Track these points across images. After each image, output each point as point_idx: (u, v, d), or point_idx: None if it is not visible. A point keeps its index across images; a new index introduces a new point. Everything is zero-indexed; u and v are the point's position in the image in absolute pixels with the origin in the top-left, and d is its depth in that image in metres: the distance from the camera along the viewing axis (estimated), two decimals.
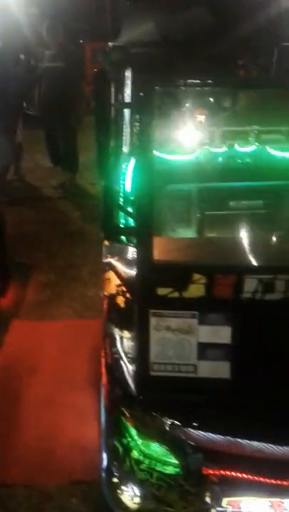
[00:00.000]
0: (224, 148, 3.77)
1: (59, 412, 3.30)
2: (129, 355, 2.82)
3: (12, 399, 3.43)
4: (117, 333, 2.98)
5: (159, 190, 3.72)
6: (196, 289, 2.49)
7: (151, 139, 2.37)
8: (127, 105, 3.21)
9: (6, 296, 4.60)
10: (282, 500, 2.53)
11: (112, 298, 3.10)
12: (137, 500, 2.53)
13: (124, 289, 2.97)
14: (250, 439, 2.52)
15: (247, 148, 3.77)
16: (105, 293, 3.22)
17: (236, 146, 3.79)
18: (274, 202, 3.75)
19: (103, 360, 3.01)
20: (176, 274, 2.50)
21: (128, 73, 3.10)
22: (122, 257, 3.05)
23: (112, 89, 3.23)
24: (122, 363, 2.84)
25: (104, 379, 2.96)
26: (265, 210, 3.72)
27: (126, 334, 2.92)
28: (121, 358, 2.86)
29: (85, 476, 2.80)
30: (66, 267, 5.18)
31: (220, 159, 3.75)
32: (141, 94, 2.24)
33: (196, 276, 2.47)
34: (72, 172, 7.36)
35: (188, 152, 3.71)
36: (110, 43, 3.10)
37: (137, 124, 2.45)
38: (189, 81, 2.39)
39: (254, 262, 2.53)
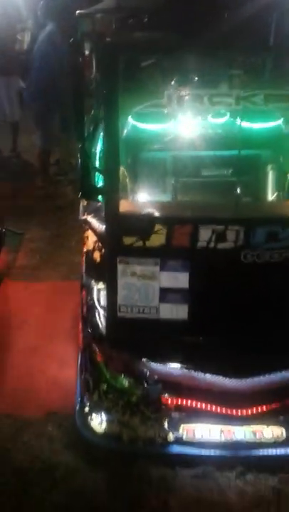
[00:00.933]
0: (198, 119, 4.03)
1: (42, 358, 3.63)
2: (101, 302, 3.14)
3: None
4: (92, 283, 3.30)
5: (135, 156, 4.03)
6: (157, 239, 2.79)
7: (115, 103, 2.65)
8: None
9: None
10: (231, 428, 2.85)
11: (88, 252, 3.42)
12: (104, 425, 2.87)
13: (98, 242, 3.27)
14: (204, 372, 2.85)
15: (219, 120, 4.03)
16: (84, 249, 3.53)
17: (209, 118, 4.05)
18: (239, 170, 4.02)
19: (80, 309, 3.33)
20: (139, 225, 2.81)
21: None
22: (97, 214, 3.34)
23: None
24: (95, 308, 3.17)
25: (80, 324, 3.29)
26: (230, 177, 4.00)
27: (99, 284, 3.24)
28: (94, 304, 3.19)
29: (61, 409, 3.13)
30: (55, 236, 5.49)
31: (194, 129, 4.02)
32: (102, 56, 2.52)
33: (158, 226, 2.78)
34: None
35: (163, 121, 3.98)
36: (78, 11, 3.34)
37: (102, 88, 2.71)
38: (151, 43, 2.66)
39: (209, 215, 2.84)
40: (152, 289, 2.87)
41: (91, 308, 3.15)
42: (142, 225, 2.79)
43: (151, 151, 4.00)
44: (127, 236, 2.79)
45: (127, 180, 3.94)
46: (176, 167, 4.04)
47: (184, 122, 3.97)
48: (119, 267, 2.85)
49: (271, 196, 4.01)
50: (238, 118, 3.99)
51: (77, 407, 3.01)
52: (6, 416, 3.08)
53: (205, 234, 2.77)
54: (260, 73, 4.09)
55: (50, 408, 3.16)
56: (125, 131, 3.95)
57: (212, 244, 2.77)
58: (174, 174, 4.06)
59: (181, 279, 2.85)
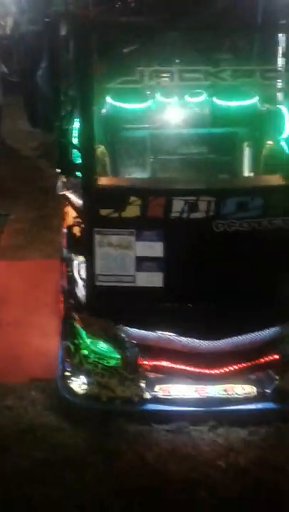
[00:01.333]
0: (175, 99, 4.16)
1: (25, 331, 3.77)
2: (81, 273, 3.28)
3: None
4: (71, 256, 3.44)
5: (114, 134, 4.16)
6: (133, 210, 2.94)
7: (89, 82, 2.77)
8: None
9: None
10: (205, 386, 3.02)
11: (67, 227, 3.55)
12: (84, 387, 3.03)
13: (77, 217, 3.40)
14: (178, 336, 3.01)
15: (196, 99, 4.16)
16: (63, 224, 3.66)
17: (186, 97, 4.18)
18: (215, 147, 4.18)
19: (60, 281, 3.47)
20: (115, 197, 2.95)
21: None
22: (75, 189, 3.47)
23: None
24: (74, 279, 3.30)
25: (61, 295, 3.43)
26: (206, 154, 4.15)
27: (79, 257, 3.38)
28: (74, 276, 3.32)
29: (44, 375, 3.28)
30: (39, 217, 5.61)
31: (171, 108, 4.15)
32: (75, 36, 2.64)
33: (132, 198, 2.92)
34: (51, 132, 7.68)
35: (141, 100, 4.10)
36: None
37: (76, 68, 2.83)
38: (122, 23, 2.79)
39: (181, 187, 2.98)
40: (129, 258, 3.01)
41: (71, 280, 3.28)
42: (117, 196, 2.93)
43: (130, 129, 4.14)
44: (103, 208, 2.93)
45: (106, 158, 4.08)
46: (154, 145, 4.18)
47: (162, 101, 4.12)
48: (96, 238, 2.99)
49: (248, 172, 4.17)
50: (214, 96, 4.16)
51: (59, 371, 3.16)
52: None
53: (178, 205, 2.91)
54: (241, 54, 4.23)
55: (33, 375, 3.32)
56: (104, 110, 4.09)
57: (185, 215, 2.92)
58: (152, 152, 4.21)
59: (156, 249, 2.99)
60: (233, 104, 4.11)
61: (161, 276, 3.02)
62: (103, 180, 3.07)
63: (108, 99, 4.10)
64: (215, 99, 4.15)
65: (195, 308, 3.00)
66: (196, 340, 3.01)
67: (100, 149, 4.01)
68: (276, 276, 3.01)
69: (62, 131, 3.28)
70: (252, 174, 4.12)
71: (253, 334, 3.02)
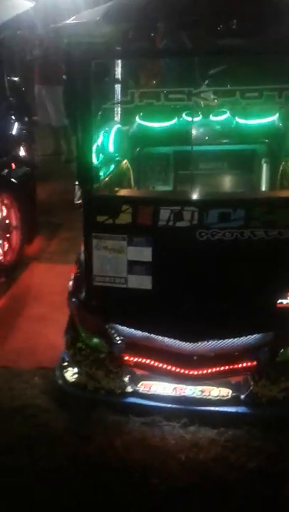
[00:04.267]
0: (199, 117, 4.39)
1: (46, 325, 4.17)
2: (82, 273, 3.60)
3: (13, 315, 4.38)
4: (81, 258, 3.78)
5: (140, 151, 4.47)
6: (125, 217, 3.22)
7: (88, 102, 3.11)
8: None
9: (32, 244, 5.57)
10: (184, 386, 3.20)
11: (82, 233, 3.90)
12: (75, 376, 3.34)
13: None
14: (163, 336, 3.22)
15: (218, 118, 4.37)
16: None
17: (210, 116, 4.39)
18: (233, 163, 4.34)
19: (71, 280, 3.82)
20: (110, 205, 3.26)
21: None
22: None
23: None
24: (79, 279, 3.64)
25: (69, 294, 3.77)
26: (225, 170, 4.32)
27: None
28: (80, 275, 3.66)
29: (50, 365, 3.63)
30: None
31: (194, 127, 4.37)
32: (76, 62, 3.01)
33: (124, 207, 3.21)
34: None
35: (166, 120, 4.39)
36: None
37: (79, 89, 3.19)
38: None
39: (167, 197, 3.22)
40: (121, 261, 3.29)
41: (76, 279, 3.62)
42: (112, 205, 3.24)
43: (155, 146, 4.43)
44: (99, 215, 3.25)
45: (131, 172, 4.41)
46: (176, 161, 4.43)
47: (186, 120, 4.37)
48: (94, 242, 3.31)
49: (264, 188, 4.28)
50: (235, 115, 4.34)
51: (59, 361, 3.51)
52: (2, 367, 3.64)
53: (164, 214, 3.16)
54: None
55: (41, 363, 3.69)
56: (132, 129, 4.44)
57: (171, 223, 3.15)
58: (174, 167, 4.46)
59: (145, 254, 3.24)
60: (253, 122, 4.28)
61: (150, 279, 3.27)
62: (113, 191, 3.42)
63: (137, 118, 4.45)
64: (236, 118, 4.34)
65: (180, 311, 3.19)
66: (178, 342, 3.20)
67: (124, 164, 4.37)
68: (258, 285, 3.14)
69: (81, 147, 3.66)
70: (268, 189, 4.23)
71: (232, 340, 3.16)
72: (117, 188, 3.60)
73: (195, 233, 3.13)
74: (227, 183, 4.32)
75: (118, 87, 4.45)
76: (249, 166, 4.34)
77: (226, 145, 4.32)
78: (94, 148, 3.96)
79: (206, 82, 4.53)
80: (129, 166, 4.39)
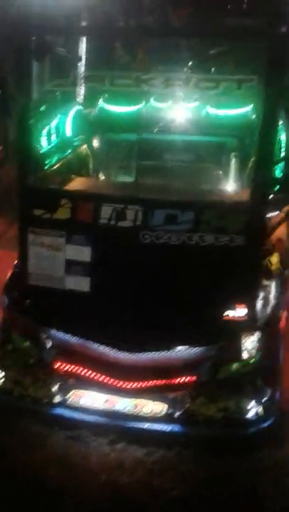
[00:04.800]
0: (168, 104, 4.07)
1: None
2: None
3: None
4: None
5: (101, 136, 4.17)
6: (64, 213, 2.94)
7: (27, 85, 2.81)
8: None
9: None
10: (117, 398, 2.95)
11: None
12: (1, 379, 3.08)
13: None
14: (98, 343, 2.97)
15: (190, 105, 4.05)
16: None
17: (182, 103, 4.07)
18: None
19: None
20: (47, 198, 2.97)
21: None
22: None
23: None
24: (14, 276, 3.35)
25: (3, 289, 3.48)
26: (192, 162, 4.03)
27: None
28: (15, 272, 3.36)
29: None
30: None
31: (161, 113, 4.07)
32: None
33: (64, 201, 2.93)
34: None
35: (132, 104, 4.08)
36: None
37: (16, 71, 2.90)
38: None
39: (109, 193, 2.94)
40: (58, 260, 3.02)
41: (12, 276, 3.32)
42: (49, 198, 2.96)
43: (118, 132, 4.13)
44: (36, 208, 2.97)
45: (90, 158, 4.12)
46: (140, 149, 4.13)
47: (154, 106, 4.07)
48: (30, 237, 3.03)
49: (232, 183, 4.01)
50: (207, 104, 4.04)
51: None
52: None
53: (106, 211, 2.88)
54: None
55: None
56: (94, 111, 4.13)
57: (113, 222, 2.88)
58: (138, 156, 4.16)
59: (84, 253, 2.98)
60: (225, 112, 3.98)
61: (88, 281, 3.00)
62: (55, 182, 3.13)
63: (100, 101, 4.14)
64: (208, 108, 4.04)
65: (118, 318, 2.94)
66: (114, 351, 2.96)
67: (84, 149, 4.08)
68: (203, 295, 2.87)
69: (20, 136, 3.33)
70: (236, 185, 3.96)
71: (173, 352, 2.92)
72: (62, 177, 3.32)
73: (138, 234, 2.86)
74: (192, 177, 4.03)
75: (81, 66, 4.12)
76: (217, 159, 4.05)
77: (194, 136, 4.03)
78: (45, 132, 3.71)
79: (190, 64, 4.25)
80: (88, 153, 4.10)
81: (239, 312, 2.91)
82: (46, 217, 2.96)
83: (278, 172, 3.33)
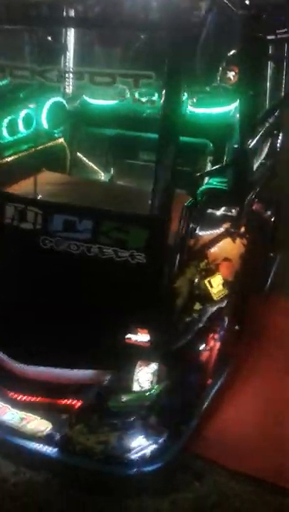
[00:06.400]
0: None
1: None
2: None
3: None
4: None
5: (80, 130, 3.97)
6: None
7: None
8: None
9: None
10: (8, 408, 2.77)
11: None
12: None
13: None
14: (8, 358, 2.80)
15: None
16: None
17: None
18: None
19: None
20: None
21: None
22: None
23: None
24: None
25: None
26: None
27: None
28: None
29: None
30: None
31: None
32: None
33: None
34: None
35: (110, 98, 3.82)
36: None
37: None
38: None
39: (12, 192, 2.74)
40: None
41: None
42: None
43: (96, 126, 3.91)
44: None
45: (67, 153, 3.95)
46: (116, 146, 3.88)
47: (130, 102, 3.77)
48: None
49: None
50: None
51: None
52: None
53: (9, 210, 2.69)
54: None
55: None
56: (74, 104, 3.95)
57: (15, 223, 2.69)
58: (113, 154, 3.91)
59: None
60: (205, 111, 3.58)
61: None
62: None
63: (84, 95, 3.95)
64: (189, 105, 3.65)
65: (16, 326, 2.76)
66: (10, 359, 2.79)
67: (60, 142, 3.92)
68: (102, 314, 2.59)
69: None
70: None
71: (62, 370, 2.68)
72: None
73: (39, 239, 2.64)
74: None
75: (69, 55, 3.94)
76: (192, 162, 3.66)
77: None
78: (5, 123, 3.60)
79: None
80: (65, 146, 3.93)
81: (141, 337, 2.60)
82: None
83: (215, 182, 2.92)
